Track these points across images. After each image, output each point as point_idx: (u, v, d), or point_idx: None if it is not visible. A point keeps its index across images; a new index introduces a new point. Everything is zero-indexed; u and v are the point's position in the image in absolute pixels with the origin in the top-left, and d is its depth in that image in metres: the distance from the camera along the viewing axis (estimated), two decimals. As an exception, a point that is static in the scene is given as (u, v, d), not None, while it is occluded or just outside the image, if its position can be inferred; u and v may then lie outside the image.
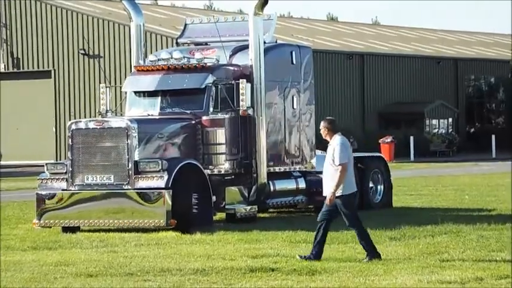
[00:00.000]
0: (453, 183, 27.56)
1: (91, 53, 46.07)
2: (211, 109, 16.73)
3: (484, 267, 11.43)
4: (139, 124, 16.01)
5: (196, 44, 18.46)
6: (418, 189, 24.82)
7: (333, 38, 54.39)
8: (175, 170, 15.57)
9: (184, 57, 17.10)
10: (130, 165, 15.69)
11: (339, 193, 12.10)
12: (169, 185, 15.44)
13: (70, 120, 45.97)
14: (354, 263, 11.98)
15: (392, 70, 52.25)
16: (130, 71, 50.02)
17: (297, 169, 18.25)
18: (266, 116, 17.37)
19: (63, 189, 15.91)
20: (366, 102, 50.88)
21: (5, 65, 48.03)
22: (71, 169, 15.87)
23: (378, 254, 12.15)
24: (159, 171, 15.52)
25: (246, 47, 17.43)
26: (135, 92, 17.31)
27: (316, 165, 18.31)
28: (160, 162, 15.61)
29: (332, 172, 12.08)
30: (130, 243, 14.38)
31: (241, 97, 16.79)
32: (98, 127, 15.93)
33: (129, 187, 15.63)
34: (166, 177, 15.44)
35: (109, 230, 16.00)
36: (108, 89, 17.78)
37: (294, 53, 18.27)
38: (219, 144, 16.61)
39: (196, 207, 15.98)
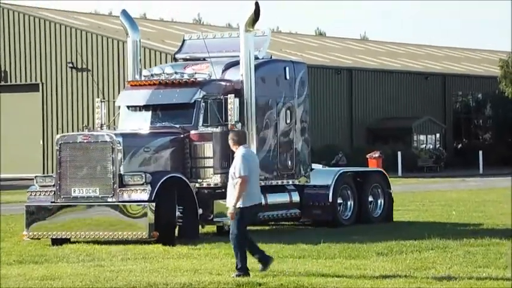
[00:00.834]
0: (440, 198, 27.61)
1: (79, 66, 46.05)
2: (200, 123, 17.05)
3: (471, 283, 11.44)
4: (124, 138, 16.34)
5: (194, 59, 18.72)
6: (406, 205, 24.84)
7: (321, 53, 54.55)
8: (159, 183, 15.86)
9: (175, 72, 17.51)
10: (115, 178, 16.00)
11: (239, 205, 12.10)
12: (152, 198, 15.70)
13: (57, 133, 46.13)
14: (341, 278, 11.96)
15: (380, 85, 52.42)
16: (119, 84, 50.35)
17: (291, 183, 18.46)
18: (257, 130, 17.67)
19: (51, 202, 16.19)
20: (353, 117, 50.99)
21: (-8, 78, 47.95)
22: (58, 182, 16.19)
23: (248, 274, 12.03)
24: (142, 184, 15.84)
25: (239, 62, 17.71)
26: (128, 107, 17.70)
27: (313, 179, 18.67)
28: (144, 175, 15.91)
29: (234, 184, 12.16)
30: (117, 257, 14.33)
31: (229, 112, 17.10)
32: (85, 141, 16.27)
33: (114, 200, 15.93)
34: (149, 190, 15.74)
35: (96, 243, 16.06)
36: (103, 103, 18.20)
37: (287, 68, 18.58)
38: (207, 158, 16.87)
39: (181, 220, 16.20)
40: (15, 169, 44.58)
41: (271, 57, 19.06)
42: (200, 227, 17.22)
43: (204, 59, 18.45)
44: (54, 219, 16.09)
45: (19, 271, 12.90)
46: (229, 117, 17.10)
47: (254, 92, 17.55)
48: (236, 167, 12.12)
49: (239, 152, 12.26)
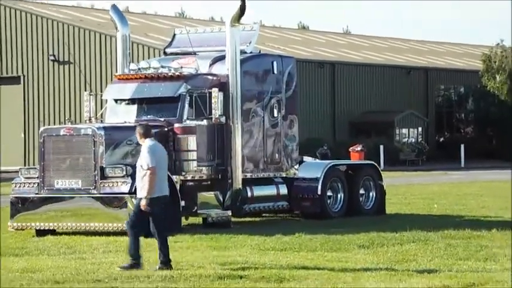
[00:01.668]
0: (422, 191, 27.71)
1: (61, 59, 45.88)
2: (185, 117, 17.26)
3: (451, 276, 11.48)
4: (106, 131, 16.54)
5: (184, 53, 18.85)
6: (388, 198, 24.87)
7: (304, 47, 54.56)
8: None
9: (162, 66, 17.76)
10: (96, 170, 16.21)
11: (144, 195, 12.16)
12: (133, 190, 15.76)
13: (39, 126, 45.98)
14: (322, 270, 11.98)
15: (363, 79, 52.49)
16: (101, 77, 50.15)
17: (278, 175, 18.68)
18: (243, 123, 17.92)
19: (35, 193, 16.45)
20: (336, 110, 51.06)
21: (-26, 71, 47.70)
22: (42, 174, 16.44)
23: (170, 266, 12.07)
24: (123, 176, 16.05)
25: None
26: (115, 100, 17.93)
27: (303, 172, 18.91)
28: (124, 168, 16.11)
29: (142, 176, 12.23)
30: (99, 250, 14.31)
31: (213, 105, 17.29)
32: (68, 134, 16.49)
33: (95, 192, 16.14)
34: (130, 182, 15.88)
35: (78, 234, 16.11)
36: (91, 96, 18.38)
37: (275, 62, 18.79)
38: (191, 150, 17.05)
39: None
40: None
41: (259, 52, 19.30)
42: (184, 219, 17.37)
43: (194, 53, 18.62)
44: (38, 211, 16.35)
45: (-1, 264, 12.85)
46: (213, 111, 17.27)
47: (240, 85, 17.76)
48: (143, 159, 12.23)
49: (145, 144, 12.37)
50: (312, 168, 19.15)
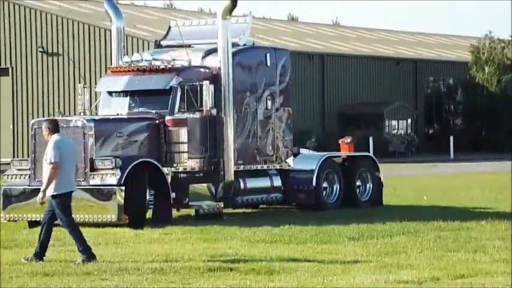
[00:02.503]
0: (411, 183, 27.76)
1: (50, 51, 45.72)
2: (176, 109, 17.38)
3: (441, 267, 11.52)
4: (96, 123, 16.67)
5: (179, 46, 18.91)
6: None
7: (293, 39, 54.53)
8: (129, 168, 16.18)
9: (154, 59, 17.92)
10: (86, 162, 16.35)
11: (52, 192, 12.22)
12: (122, 182, 16.06)
13: (27, 118, 45.80)
14: (312, 262, 12.00)
15: (352, 71, 52.51)
16: (90, 69, 49.98)
17: (272, 167, 18.80)
18: (236, 116, 18.03)
19: (28, 185, 16.65)
20: (326, 102, 51.07)
21: (-38, 62, 47.50)
22: (33, 166, 16.63)
23: (93, 255, 12.16)
24: (112, 168, 16.18)
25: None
26: (109, 92, 18.10)
27: (298, 164, 19.02)
28: (114, 160, 16.25)
29: (46, 170, 12.30)
30: (88, 242, 14.27)
31: (204, 98, 17.39)
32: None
33: (85, 183, 16.28)
34: (119, 174, 16.05)
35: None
36: (85, 88, 18.59)
37: (268, 55, 18.91)
38: (182, 143, 17.14)
39: (152, 203, 16.63)
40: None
41: (253, 44, 19.41)
42: (176, 210, 17.58)
43: (189, 46, 18.73)
44: (29, 202, 16.50)
45: (-11, 256, 12.81)
46: (204, 104, 17.36)
47: (232, 78, 17.86)
48: (47, 154, 12.26)
49: (52, 139, 12.39)
50: (307, 160, 19.26)
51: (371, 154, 21.08)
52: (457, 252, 12.82)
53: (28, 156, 17.02)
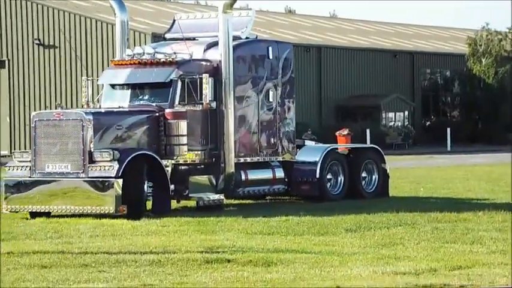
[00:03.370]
0: (409, 175, 27.79)
1: (46, 43, 45.67)
2: (176, 102, 17.58)
3: (438, 259, 11.53)
4: (94, 116, 16.87)
5: (184, 39, 19.01)
6: (374, 182, 24.97)
7: (290, 31, 54.49)
8: (127, 160, 16.39)
9: (156, 52, 18.10)
10: (85, 155, 16.57)
11: None
12: (119, 174, 16.26)
13: (24, 110, 45.77)
14: (309, 254, 12.01)
15: (349, 63, 52.49)
16: (86, 61, 49.89)
17: (275, 159, 18.96)
18: (236, 108, 18.21)
19: (29, 177, 16.89)
20: (322, 95, 51.07)
21: (-42, 55, 47.42)
22: (34, 158, 16.88)
23: None
24: (110, 160, 16.37)
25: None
26: (111, 85, 18.32)
27: (302, 155, 19.21)
28: (112, 152, 16.44)
29: None
30: (85, 235, 14.31)
31: (204, 91, 17.53)
32: (57, 118, 16.90)
33: (84, 175, 16.51)
34: (116, 166, 16.26)
35: (66, 216, 16.28)
36: (89, 81, 18.88)
37: (270, 48, 19.08)
38: (181, 135, 17.32)
39: (151, 195, 16.84)
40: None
41: (256, 38, 19.62)
42: (176, 202, 17.83)
43: (193, 39, 18.93)
44: (30, 194, 16.77)
45: (-14, 249, 12.80)
46: (203, 97, 17.52)
47: (232, 71, 18.04)
48: None
49: None
50: (311, 152, 19.41)
51: (377, 146, 21.16)
52: (454, 244, 12.84)
53: (26, 148, 17.18)
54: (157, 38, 19.99)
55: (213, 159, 17.95)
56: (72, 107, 41.02)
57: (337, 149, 20.04)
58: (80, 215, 16.59)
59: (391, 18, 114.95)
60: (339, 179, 19.45)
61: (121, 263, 11.37)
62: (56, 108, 18.37)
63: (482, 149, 46.83)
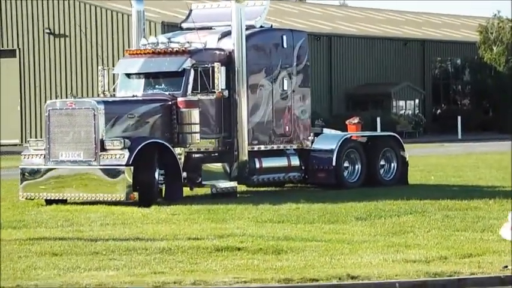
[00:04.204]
0: (419, 163, 27.74)
1: (56, 32, 45.71)
2: (189, 91, 17.78)
3: (449, 247, 11.53)
4: (106, 105, 17.17)
5: (200, 28, 19.13)
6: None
7: (300, 19, 54.40)
8: (137, 148, 16.60)
9: (170, 41, 18.32)
10: (96, 143, 16.81)
11: None
12: (130, 162, 16.48)
13: (35, 99, 45.84)
14: (319, 242, 12.02)
15: (359, 52, 52.35)
16: (96, 51, 49.99)
17: (289, 147, 19.11)
18: (250, 97, 18.39)
19: (44, 164, 17.19)
20: (333, 83, 50.98)
21: (-31, 44, 47.51)
22: (48, 146, 17.18)
23: None
24: (122, 149, 16.59)
25: None
26: (126, 74, 18.55)
27: (319, 143, 19.29)
28: (123, 140, 16.67)
29: None
30: (96, 223, 14.35)
31: (216, 80, 17.71)
32: (70, 107, 17.17)
33: (96, 164, 16.76)
34: (127, 155, 16.47)
35: (78, 204, 16.37)
36: (105, 70, 19.14)
37: (285, 37, 19.21)
38: (193, 124, 17.54)
39: (162, 183, 17.05)
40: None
41: (271, 26, 19.79)
42: (189, 189, 18.04)
43: (210, 28, 19.08)
44: (45, 182, 17.07)
45: (-3, 237, 12.86)
46: (215, 85, 17.70)
47: (245, 59, 18.20)
48: None
49: None
50: (328, 140, 19.53)
51: (395, 134, 21.24)
52: (465, 232, 12.83)
53: (37, 137, 17.38)
54: (168, 26, 20.14)
55: (227, 147, 18.15)
56: (82, 96, 41.11)
57: (354, 137, 20.14)
58: (91, 203, 16.71)
59: (401, 6, 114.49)
60: (356, 167, 19.55)
61: (131, 251, 11.40)
62: (68, 98, 18.59)
63: (492, 137, 46.69)
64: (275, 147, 18.88)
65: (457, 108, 55.44)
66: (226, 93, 18.01)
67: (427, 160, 29.50)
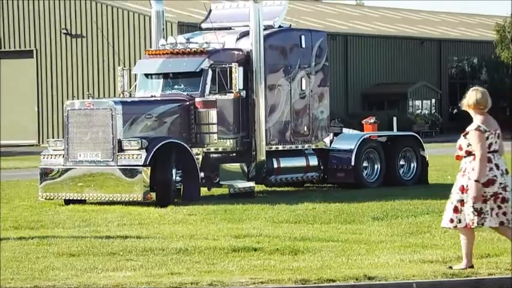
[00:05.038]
0: (436, 163, 27.65)
1: (73, 32, 45.86)
2: (207, 91, 17.87)
3: (466, 247, 11.45)
4: (124, 105, 17.30)
5: (219, 29, 19.25)
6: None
7: (316, 19, 54.35)
8: (155, 149, 16.68)
9: (189, 42, 18.44)
10: (114, 143, 16.92)
11: None
12: (147, 163, 16.57)
13: (52, 99, 46.02)
14: (336, 242, 12.01)
15: (375, 51, 52.27)
16: (113, 51, 50.16)
17: (308, 147, 19.16)
18: (268, 97, 18.44)
19: (62, 165, 17.31)
20: (349, 83, 50.92)
21: (-14, 45, 47.73)
22: (67, 146, 17.31)
23: None
24: (139, 149, 16.68)
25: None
26: (145, 75, 18.69)
27: (338, 143, 19.38)
28: (140, 141, 16.76)
29: None
30: (113, 223, 14.39)
31: (233, 80, 17.80)
32: (89, 108, 17.31)
33: (113, 164, 16.86)
34: (144, 155, 16.55)
35: (95, 204, 16.41)
36: (124, 71, 19.28)
37: (303, 37, 19.31)
38: (211, 124, 17.61)
39: (180, 183, 17.13)
40: (10, 136, 44.54)
41: (290, 26, 19.88)
42: (207, 189, 18.06)
43: (230, 28, 19.19)
44: (63, 181, 17.19)
45: (15, 236, 12.92)
46: (233, 86, 17.77)
47: (263, 60, 18.28)
48: None
49: None
50: (347, 140, 19.60)
51: (415, 134, 21.25)
52: (482, 232, 12.76)
53: (54, 137, 17.47)
54: (184, 26, 20.25)
55: (245, 147, 18.22)
56: (99, 96, 41.23)
57: (373, 136, 20.19)
58: (108, 203, 16.78)
59: (417, 5, 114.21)
60: (376, 166, 19.60)
61: (148, 252, 11.43)
62: (86, 98, 18.71)
63: (509, 137, 46.46)
64: (293, 147, 18.95)
65: (474, 108, 55.17)
66: (243, 93, 18.08)
67: (443, 160, 29.40)
